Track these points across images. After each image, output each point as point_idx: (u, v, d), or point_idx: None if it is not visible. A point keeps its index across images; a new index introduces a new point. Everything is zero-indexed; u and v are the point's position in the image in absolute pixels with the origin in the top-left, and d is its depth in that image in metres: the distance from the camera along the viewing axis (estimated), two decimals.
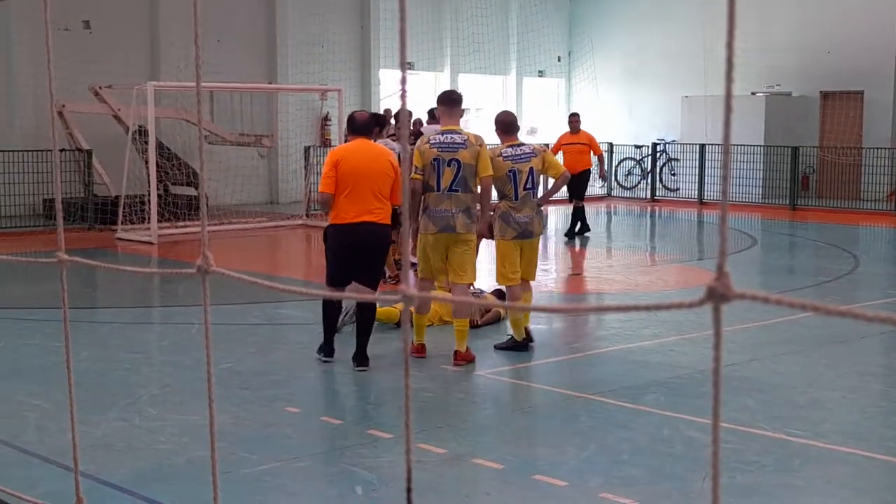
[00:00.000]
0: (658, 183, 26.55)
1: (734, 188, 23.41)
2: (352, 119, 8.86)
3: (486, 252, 11.38)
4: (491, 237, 9.34)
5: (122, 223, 17.79)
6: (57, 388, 7.73)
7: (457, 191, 8.62)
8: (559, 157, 17.61)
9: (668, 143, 26.90)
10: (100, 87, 19.49)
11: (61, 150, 18.66)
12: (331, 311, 8.85)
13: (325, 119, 24.82)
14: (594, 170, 18.88)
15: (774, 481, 6.08)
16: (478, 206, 9.02)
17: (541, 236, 9.57)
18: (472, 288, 10.73)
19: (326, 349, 8.83)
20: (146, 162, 17.89)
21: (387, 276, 11.70)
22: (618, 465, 6.30)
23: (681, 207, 24.53)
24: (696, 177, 24.99)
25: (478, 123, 26.37)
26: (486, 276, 11.19)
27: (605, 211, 24.34)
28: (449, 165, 8.59)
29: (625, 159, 27.60)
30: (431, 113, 16.07)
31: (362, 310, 8.71)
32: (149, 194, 17.34)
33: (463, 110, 9.31)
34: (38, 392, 7.78)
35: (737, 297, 1.23)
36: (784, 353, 9.27)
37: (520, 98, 30.29)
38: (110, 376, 8.38)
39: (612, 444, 6.71)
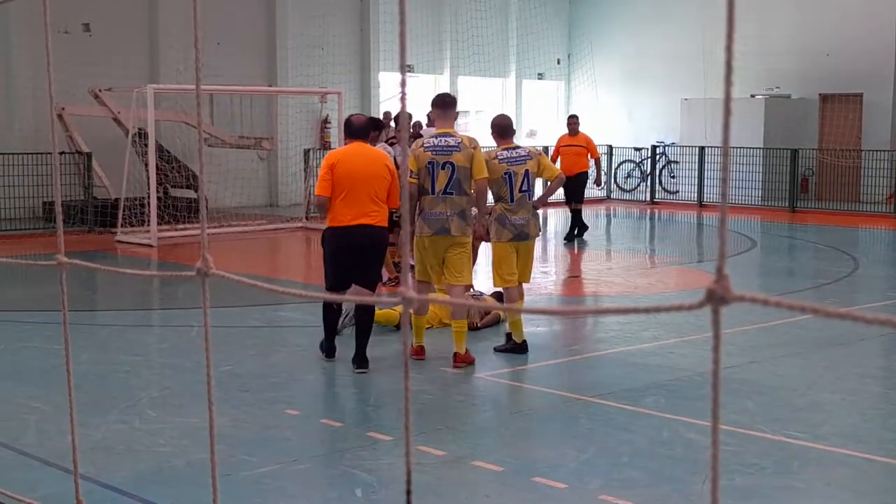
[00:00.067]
0: (657, 185, 26.56)
1: (734, 190, 23.42)
2: (348, 123, 8.90)
3: (484, 254, 11.39)
4: (488, 240, 9.37)
5: (122, 226, 17.79)
6: (57, 390, 7.73)
7: (451, 193, 8.64)
8: (557, 162, 17.67)
9: (668, 146, 26.90)
10: (99, 90, 19.50)
11: (61, 153, 18.66)
12: (331, 313, 8.90)
13: (325, 122, 24.83)
14: (591, 173, 18.86)
15: (774, 483, 6.08)
16: (474, 210, 9.04)
17: (537, 239, 9.59)
18: (471, 290, 10.75)
19: (328, 350, 8.89)
20: (146, 164, 17.90)
21: (385, 278, 11.71)
22: (617, 468, 6.31)
23: (680, 210, 24.53)
24: (696, 179, 24.99)
25: (478, 126, 26.37)
26: (485, 278, 11.19)
27: (604, 213, 24.34)
28: (443, 168, 8.61)
29: (624, 161, 27.61)
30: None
31: (361, 312, 8.75)
32: (148, 197, 17.35)
33: (457, 113, 9.32)
34: (38, 394, 7.78)
35: (736, 299, 1.23)
36: (783, 356, 9.27)
37: (519, 100, 30.31)
38: (110, 379, 8.38)
39: (612, 447, 6.71)
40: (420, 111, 19.40)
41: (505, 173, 9.12)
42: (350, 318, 9.45)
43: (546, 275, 14.85)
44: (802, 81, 26.06)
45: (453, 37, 28.13)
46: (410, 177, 8.72)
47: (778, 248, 18.59)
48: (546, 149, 24.25)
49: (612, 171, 27.27)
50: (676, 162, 26.37)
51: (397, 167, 9.17)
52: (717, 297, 1.23)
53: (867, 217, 22.41)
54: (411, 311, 1.51)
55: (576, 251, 17.10)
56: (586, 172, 17.93)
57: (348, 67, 25.60)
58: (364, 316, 8.74)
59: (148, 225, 17.25)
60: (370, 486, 5.98)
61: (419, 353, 8.92)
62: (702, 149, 24.70)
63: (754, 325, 10.13)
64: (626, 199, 26.77)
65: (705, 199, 24.54)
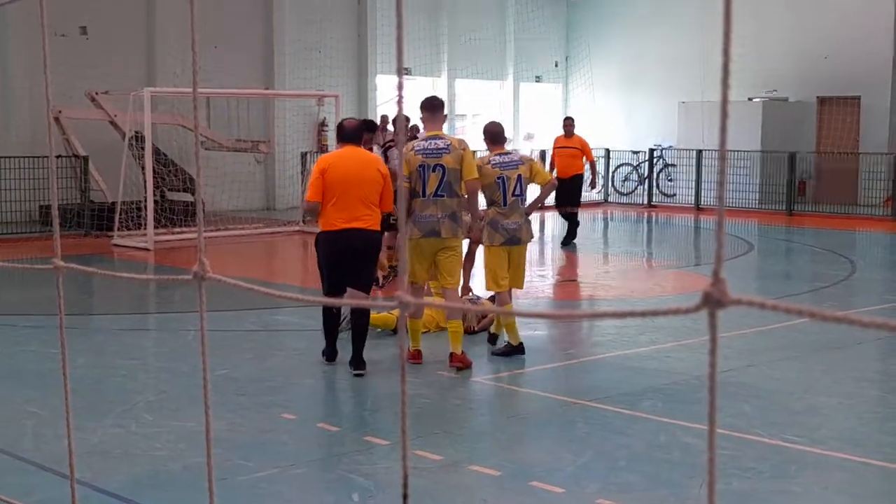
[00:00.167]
0: (655, 188, 26.57)
1: (731, 194, 23.44)
2: (341, 127, 8.96)
3: (480, 257, 11.37)
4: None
5: (119, 229, 17.77)
6: (53, 394, 7.72)
7: (442, 196, 8.67)
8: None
9: (665, 149, 26.92)
10: (96, 93, 19.48)
11: (58, 157, 18.64)
12: (330, 319, 8.94)
13: (322, 125, 24.83)
14: (586, 176, 18.85)
15: (771, 487, 6.08)
16: (468, 217, 9.07)
17: (531, 243, 9.64)
18: (470, 294, 10.76)
19: (329, 354, 8.93)
20: (143, 168, 17.89)
21: (379, 281, 11.72)
22: (615, 472, 6.30)
23: (678, 213, 24.55)
24: (693, 182, 25.01)
25: (475, 129, 26.37)
26: (480, 282, 11.18)
27: (601, 216, 24.35)
28: (434, 171, 8.64)
29: (622, 165, 27.62)
30: None
31: (357, 315, 8.80)
32: (145, 200, 17.34)
33: (445, 115, 9.39)
34: (35, 398, 7.77)
35: (733, 302, 1.23)
36: (780, 359, 9.27)
37: (517, 103, 30.34)
38: (106, 383, 8.37)
39: (609, 451, 6.70)
40: (417, 114, 19.34)
41: (498, 178, 9.18)
42: (347, 321, 9.46)
43: (543, 278, 14.85)
44: (800, 84, 26.09)
45: (451, 40, 28.14)
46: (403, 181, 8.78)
47: (775, 252, 18.60)
48: (543, 152, 24.30)
49: (610, 174, 27.29)
50: (674, 165, 26.39)
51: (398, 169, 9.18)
52: (713, 301, 1.23)
53: (864, 220, 22.42)
54: (406, 314, 1.51)
55: (573, 255, 17.08)
56: (581, 174, 17.91)
57: (345, 71, 25.61)
58: (360, 319, 8.78)
59: (144, 228, 17.24)
60: (367, 490, 5.97)
61: (416, 356, 8.92)
62: (699, 152, 24.72)
63: (751, 329, 10.13)
64: (623, 203, 26.78)
65: (703, 203, 24.56)
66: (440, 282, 9.01)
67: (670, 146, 26.95)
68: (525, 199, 9.44)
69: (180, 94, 19.34)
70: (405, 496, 1.61)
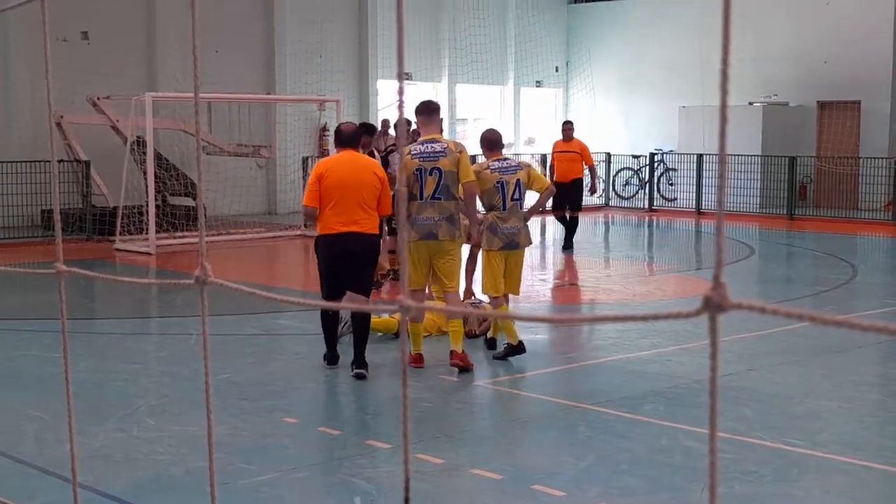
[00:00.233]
0: (656, 193, 26.58)
1: (732, 198, 23.43)
2: (338, 131, 9.01)
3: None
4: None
5: (121, 234, 17.79)
6: (55, 398, 7.73)
7: (439, 199, 8.69)
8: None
9: (666, 153, 26.94)
10: (98, 98, 19.51)
11: (59, 161, 18.67)
12: (328, 320, 8.94)
13: (324, 129, 24.84)
14: (586, 180, 18.80)
15: (773, 491, 6.08)
16: (465, 219, 9.09)
17: (526, 249, 9.67)
18: (472, 298, 10.77)
19: (330, 358, 8.96)
20: (144, 172, 17.90)
21: (380, 283, 11.75)
22: (616, 476, 6.30)
23: (678, 217, 24.55)
24: (694, 187, 25.01)
25: (476, 134, 26.36)
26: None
27: (602, 221, 24.35)
28: (431, 174, 8.67)
29: (622, 169, 27.64)
30: None
31: (357, 319, 8.82)
32: (147, 205, 17.35)
33: (442, 119, 9.45)
34: (36, 403, 7.78)
35: (733, 307, 1.24)
36: (781, 363, 9.27)
37: (517, 108, 30.35)
38: (108, 387, 8.38)
39: (611, 455, 6.70)
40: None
41: (497, 182, 9.27)
42: (348, 325, 9.49)
43: (544, 282, 14.85)
44: (800, 89, 26.10)
45: (451, 45, 28.16)
46: (398, 185, 8.91)
47: (776, 256, 18.60)
48: (544, 156, 24.31)
49: (611, 178, 27.30)
50: (674, 169, 26.40)
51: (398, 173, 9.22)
52: (713, 305, 1.24)
53: (865, 224, 22.42)
54: (407, 318, 1.51)
55: (573, 258, 17.07)
56: (581, 178, 17.85)
57: (347, 75, 25.64)
58: (361, 322, 8.81)
59: (146, 233, 17.25)
60: (369, 494, 5.98)
61: (417, 360, 8.93)
62: (700, 156, 24.73)
63: (752, 333, 10.14)
64: (624, 207, 26.79)
65: (703, 207, 24.56)
66: (441, 286, 9.03)
67: (671, 150, 26.96)
68: (523, 204, 9.51)
69: (182, 99, 19.35)
70: (407, 500, 1.61)
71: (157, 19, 22.28)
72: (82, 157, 18.95)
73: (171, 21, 21.87)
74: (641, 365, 9.22)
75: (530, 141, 30.64)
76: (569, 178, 17.44)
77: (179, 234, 18.47)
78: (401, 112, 1.59)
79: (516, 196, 9.33)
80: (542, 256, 17.43)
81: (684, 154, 25.78)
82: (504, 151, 9.87)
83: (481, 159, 9.84)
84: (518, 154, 27.72)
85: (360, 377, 8.57)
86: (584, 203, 18.70)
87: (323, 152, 23.92)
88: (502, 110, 30.16)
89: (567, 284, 15.01)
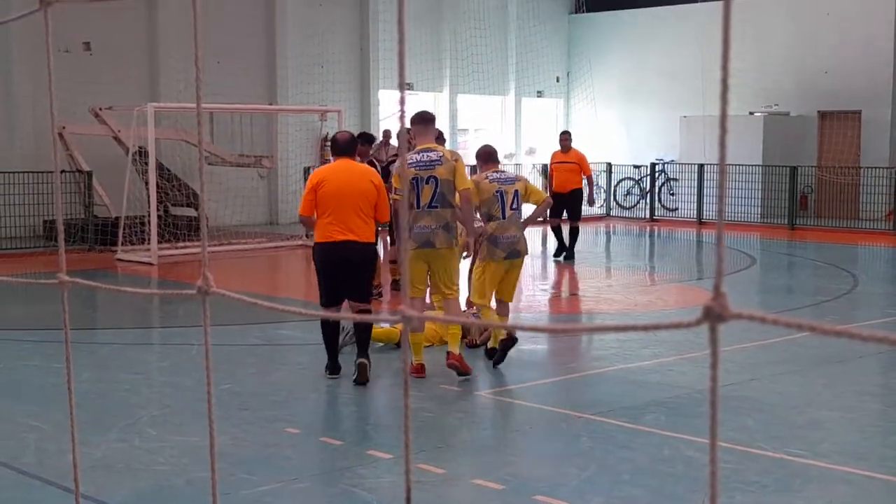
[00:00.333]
0: (657, 202, 26.58)
1: (733, 208, 23.44)
2: (334, 140, 9.13)
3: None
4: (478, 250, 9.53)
5: (123, 244, 17.80)
6: (56, 409, 7.73)
7: (436, 207, 8.75)
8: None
9: (667, 163, 26.95)
10: (100, 109, 19.54)
11: (62, 172, 18.70)
12: (328, 329, 8.95)
13: (325, 140, 24.82)
14: (586, 190, 18.79)
15: (775, 501, 6.07)
16: (461, 228, 9.12)
17: (527, 257, 9.75)
18: (473, 308, 10.79)
19: (331, 367, 8.95)
20: (146, 183, 17.93)
21: (379, 293, 11.77)
22: (618, 486, 6.30)
23: (680, 227, 24.55)
24: (695, 196, 25.02)
25: (477, 144, 26.37)
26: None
27: (603, 230, 24.35)
28: (427, 183, 8.73)
29: (624, 179, 27.65)
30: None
31: (359, 329, 8.85)
32: (149, 215, 17.36)
33: (438, 129, 9.51)
34: (38, 413, 7.77)
35: (733, 317, 1.24)
36: (782, 373, 9.27)
37: (518, 118, 30.38)
38: (110, 397, 8.37)
39: (613, 465, 6.70)
40: None
41: (496, 191, 9.37)
42: (350, 335, 9.50)
43: (545, 292, 14.85)
44: (801, 99, 26.13)
45: (453, 55, 28.21)
46: (396, 194, 9.00)
47: (777, 266, 18.60)
48: (545, 166, 24.32)
49: (612, 188, 27.31)
50: (676, 179, 26.41)
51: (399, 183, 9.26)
52: (714, 315, 1.24)
53: (866, 234, 22.41)
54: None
55: (573, 268, 17.07)
56: (581, 189, 17.83)
57: (348, 85, 25.67)
58: (362, 334, 8.84)
59: (148, 243, 17.26)
60: None
61: (419, 370, 8.93)
62: (701, 166, 24.73)
63: (753, 343, 10.13)
64: (625, 217, 26.79)
65: (704, 217, 24.56)
66: (440, 293, 9.07)
67: (672, 160, 26.97)
68: (521, 214, 9.61)
69: (184, 110, 19.38)
70: None
71: (158, 30, 22.32)
72: (84, 168, 18.97)
73: (172, 32, 21.90)
74: (643, 375, 9.22)
75: (531, 151, 30.65)
76: (568, 189, 17.45)
77: (181, 244, 18.48)
78: (402, 122, 1.60)
79: (514, 205, 9.42)
80: (543, 266, 17.42)
81: (685, 164, 25.80)
82: (505, 161, 9.95)
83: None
84: (519, 164, 27.76)
85: (362, 375, 8.62)
86: (583, 213, 18.68)
87: (324, 162, 23.91)
88: (503, 120, 30.18)
89: (568, 294, 15.00)
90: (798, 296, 14.70)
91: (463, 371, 8.79)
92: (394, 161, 14.14)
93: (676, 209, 26.07)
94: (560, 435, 7.53)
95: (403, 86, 1.50)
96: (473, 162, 10.26)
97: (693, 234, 23.29)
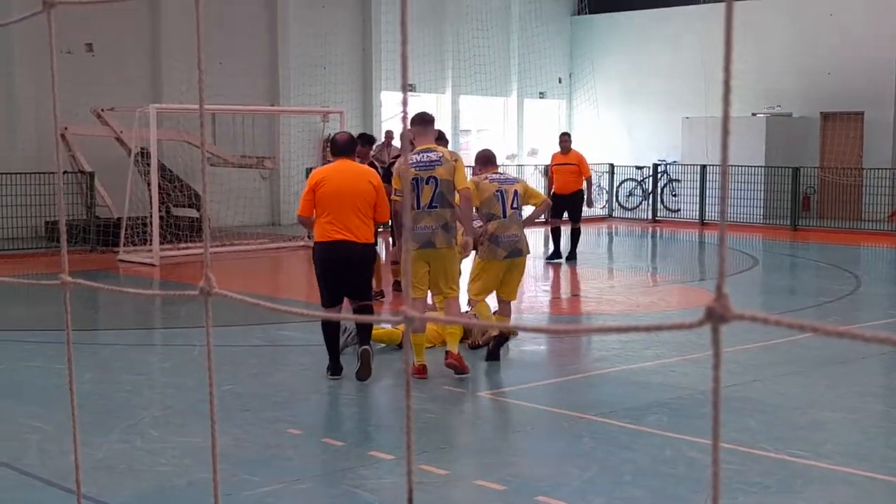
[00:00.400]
0: (659, 204, 26.57)
1: (736, 209, 23.44)
2: (333, 141, 9.19)
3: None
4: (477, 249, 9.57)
5: (124, 245, 17.81)
6: (58, 409, 7.73)
7: (436, 207, 8.78)
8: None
9: (670, 164, 26.94)
10: (102, 110, 19.55)
11: (64, 173, 18.70)
12: (329, 329, 8.96)
13: (327, 141, 24.84)
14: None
15: (777, 502, 6.07)
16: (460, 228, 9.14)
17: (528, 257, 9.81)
18: (472, 309, 10.78)
19: (333, 368, 8.95)
20: (148, 184, 17.93)
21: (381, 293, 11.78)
22: (620, 486, 6.30)
23: (682, 228, 24.54)
24: (698, 197, 25.01)
25: (479, 145, 26.39)
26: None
27: (606, 231, 24.35)
28: (427, 183, 8.77)
29: (626, 180, 27.65)
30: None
31: (362, 328, 8.88)
32: (151, 216, 17.37)
33: (437, 130, 9.56)
34: (40, 414, 7.78)
35: (735, 317, 1.24)
36: (785, 374, 9.27)
37: (521, 119, 30.37)
38: (112, 398, 8.38)
39: (615, 465, 6.70)
40: None
41: (497, 191, 9.46)
42: (351, 336, 9.51)
43: (547, 293, 14.85)
44: (803, 100, 26.12)
45: (455, 56, 28.21)
46: (395, 195, 9.05)
47: (780, 267, 18.59)
48: (547, 167, 24.31)
49: (614, 189, 27.31)
50: (678, 180, 26.40)
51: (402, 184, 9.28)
52: (716, 316, 1.24)
53: (869, 235, 22.40)
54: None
55: (575, 270, 17.06)
56: (581, 190, 17.82)
57: (350, 87, 25.68)
58: (364, 332, 8.88)
59: (150, 244, 17.27)
60: None
61: (421, 371, 8.93)
62: (703, 167, 24.73)
63: (756, 344, 10.13)
64: (627, 218, 26.79)
65: (707, 218, 24.55)
66: (440, 292, 9.09)
67: (674, 161, 26.97)
68: (521, 214, 9.66)
69: (186, 111, 19.39)
70: None
71: (161, 31, 22.33)
72: (86, 169, 18.99)
73: (175, 33, 21.90)
74: (645, 375, 9.22)
75: (533, 152, 30.64)
76: (569, 191, 17.44)
77: (183, 245, 18.48)
78: (404, 124, 1.60)
79: (515, 205, 9.49)
80: (545, 267, 17.41)
81: (688, 165, 25.79)
82: (507, 162, 10.02)
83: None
84: (521, 165, 27.75)
85: (365, 365, 8.67)
86: (585, 214, 18.66)
87: (326, 163, 23.92)
88: (505, 121, 30.18)
89: (570, 295, 14.99)
90: (800, 297, 14.70)
91: (461, 370, 8.80)
92: (395, 162, 14.14)
93: (679, 210, 26.07)
94: (562, 436, 7.53)
95: (406, 87, 1.50)
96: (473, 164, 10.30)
97: (695, 235, 23.28)
